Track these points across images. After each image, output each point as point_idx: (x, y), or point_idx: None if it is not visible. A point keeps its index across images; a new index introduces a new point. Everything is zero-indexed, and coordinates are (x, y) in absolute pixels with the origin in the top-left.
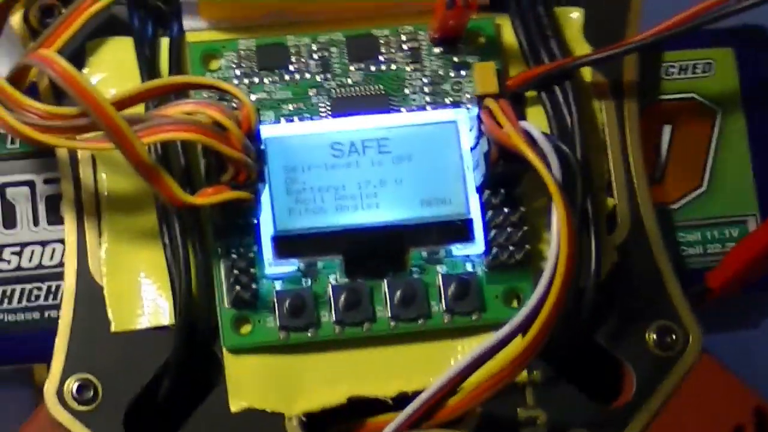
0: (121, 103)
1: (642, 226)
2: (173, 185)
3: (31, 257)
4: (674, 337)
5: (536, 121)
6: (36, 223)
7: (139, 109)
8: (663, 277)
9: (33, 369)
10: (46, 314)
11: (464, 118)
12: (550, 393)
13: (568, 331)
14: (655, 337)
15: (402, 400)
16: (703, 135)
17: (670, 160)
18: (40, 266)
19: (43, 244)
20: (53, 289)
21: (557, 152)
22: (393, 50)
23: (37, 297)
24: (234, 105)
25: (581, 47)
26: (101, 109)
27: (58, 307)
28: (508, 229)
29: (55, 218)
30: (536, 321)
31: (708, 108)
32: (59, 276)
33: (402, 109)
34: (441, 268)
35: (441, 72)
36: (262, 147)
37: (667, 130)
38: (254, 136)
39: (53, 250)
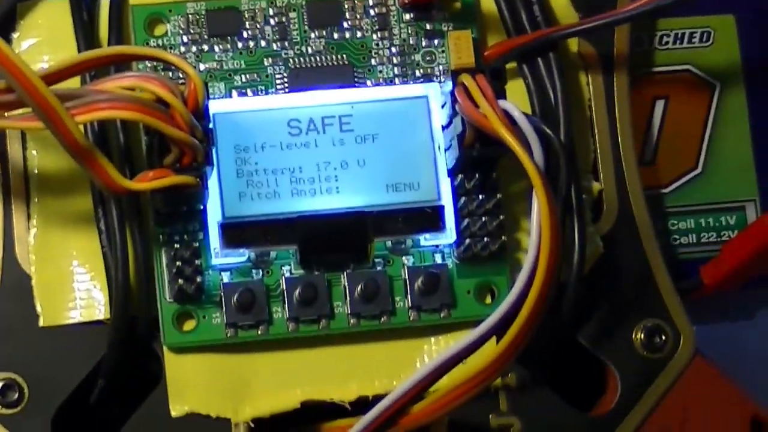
0: (53, 77)
1: (630, 213)
2: (110, 169)
3: None
4: (664, 337)
5: (516, 97)
6: None
7: (74, 82)
8: (652, 270)
9: None
10: None
11: (436, 93)
12: (525, 398)
13: (547, 330)
14: (642, 337)
15: (362, 404)
16: (699, 111)
17: (663, 139)
18: None
19: None
20: None
21: (540, 135)
22: (358, 16)
23: None
24: (180, 77)
25: (568, 15)
26: (29, 84)
27: None
28: (483, 218)
29: None
30: (515, 321)
31: (705, 81)
32: None
33: (367, 82)
34: (407, 260)
35: (411, 41)
36: (210, 125)
37: (659, 106)
38: (201, 114)
39: None
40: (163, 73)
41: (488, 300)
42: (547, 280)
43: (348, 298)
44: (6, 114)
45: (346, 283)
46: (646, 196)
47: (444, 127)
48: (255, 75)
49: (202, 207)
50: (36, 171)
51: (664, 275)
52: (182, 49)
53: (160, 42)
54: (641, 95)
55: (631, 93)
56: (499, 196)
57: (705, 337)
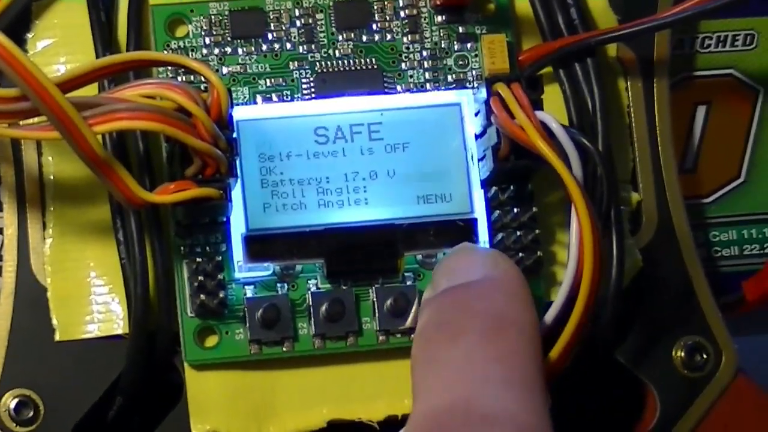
0: (70, 84)
1: (670, 224)
2: (130, 182)
3: None
4: (705, 355)
5: (552, 103)
6: None
7: (91, 89)
8: (693, 285)
9: None
10: None
11: (469, 100)
12: (560, 417)
13: (584, 348)
14: (683, 355)
15: (390, 424)
16: (742, 117)
17: (704, 147)
18: None
19: None
20: None
21: (578, 148)
22: (388, 18)
23: None
24: (203, 81)
25: (606, 18)
26: (45, 92)
27: None
28: (517, 232)
29: None
30: (557, 343)
31: (749, 86)
32: None
33: (397, 87)
34: None
35: (443, 45)
36: (234, 135)
37: (701, 112)
38: (225, 123)
39: None
40: (184, 78)
41: None
42: (590, 299)
43: (377, 313)
44: (21, 123)
45: (374, 298)
46: (687, 206)
47: (477, 137)
48: (280, 79)
49: (225, 219)
50: (52, 178)
51: (706, 290)
52: (204, 51)
53: (181, 43)
54: (682, 101)
55: (672, 98)
56: (534, 209)
57: (745, 350)
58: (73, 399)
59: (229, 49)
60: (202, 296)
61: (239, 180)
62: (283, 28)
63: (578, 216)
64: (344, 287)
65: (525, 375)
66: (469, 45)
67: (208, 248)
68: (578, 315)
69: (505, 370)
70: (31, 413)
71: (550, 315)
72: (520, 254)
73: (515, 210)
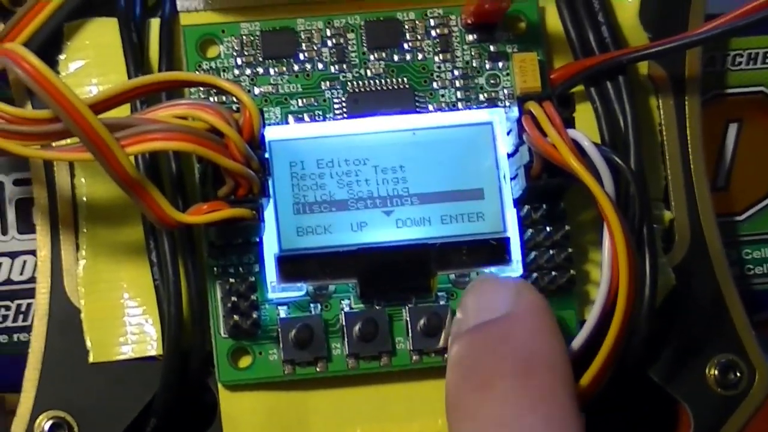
0: (102, 105)
1: (703, 242)
2: (162, 202)
3: None
4: (738, 373)
5: (584, 121)
6: (4, 231)
7: (123, 111)
8: (726, 302)
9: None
10: (15, 337)
11: (501, 119)
12: None
13: (617, 366)
14: (716, 373)
15: None
16: None
17: (736, 164)
18: (8, 281)
19: (13, 255)
20: (23, 308)
21: (610, 166)
22: (419, 37)
23: (5, 317)
24: (235, 101)
25: (637, 36)
26: (77, 113)
27: (28, 329)
28: (551, 250)
29: (26, 226)
30: (593, 363)
31: None
32: (30, 293)
33: (429, 107)
34: None
35: (475, 64)
36: (266, 154)
37: (732, 129)
38: (257, 143)
39: (24, 263)
40: (216, 98)
41: None
42: (625, 318)
43: (410, 333)
44: (53, 144)
45: (408, 318)
46: (719, 223)
47: (509, 155)
48: (312, 99)
49: (258, 239)
50: (85, 199)
51: (739, 308)
52: (236, 72)
53: (212, 64)
54: (713, 118)
55: (703, 116)
56: (567, 227)
57: None
58: (107, 420)
59: (260, 70)
60: (236, 317)
61: (272, 200)
62: (315, 48)
63: (612, 234)
64: (377, 307)
65: (560, 417)
66: (500, 64)
67: (241, 269)
68: (614, 335)
69: (540, 418)
70: None
71: (583, 334)
72: (553, 273)
73: (548, 229)
